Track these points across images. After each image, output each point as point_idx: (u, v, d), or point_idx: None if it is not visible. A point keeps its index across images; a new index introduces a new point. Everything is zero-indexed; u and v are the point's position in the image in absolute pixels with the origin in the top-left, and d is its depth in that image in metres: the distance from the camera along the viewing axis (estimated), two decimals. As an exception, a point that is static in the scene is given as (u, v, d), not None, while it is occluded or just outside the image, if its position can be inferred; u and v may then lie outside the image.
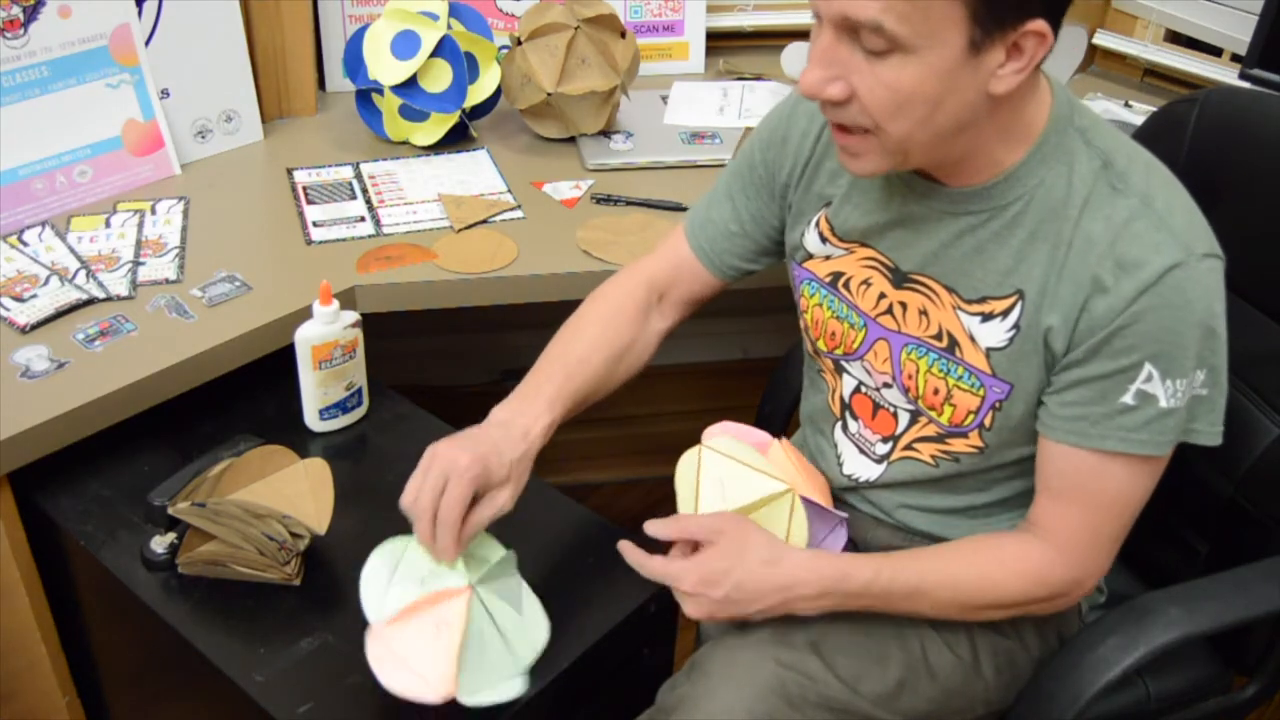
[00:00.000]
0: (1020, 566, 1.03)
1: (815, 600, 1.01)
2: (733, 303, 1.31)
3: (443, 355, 2.03)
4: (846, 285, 1.11)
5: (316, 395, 1.31)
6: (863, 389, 1.14)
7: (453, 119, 1.66)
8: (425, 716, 1.00)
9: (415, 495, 1.01)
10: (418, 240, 1.48)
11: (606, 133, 1.73)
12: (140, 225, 1.47)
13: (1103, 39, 1.97)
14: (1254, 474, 1.21)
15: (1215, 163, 1.22)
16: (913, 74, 0.87)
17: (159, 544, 1.15)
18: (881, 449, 1.14)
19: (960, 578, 1.04)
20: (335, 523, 1.14)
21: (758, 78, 1.94)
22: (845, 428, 1.18)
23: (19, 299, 1.32)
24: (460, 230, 1.50)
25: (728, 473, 1.11)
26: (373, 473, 1.30)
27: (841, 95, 0.90)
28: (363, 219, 1.52)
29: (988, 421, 1.04)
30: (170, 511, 1.12)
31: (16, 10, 1.42)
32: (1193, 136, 1.25)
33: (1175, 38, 1.94)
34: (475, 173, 1.64)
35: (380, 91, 1.65)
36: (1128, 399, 0.96)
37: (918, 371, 1.06)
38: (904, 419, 1.11)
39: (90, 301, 1.33)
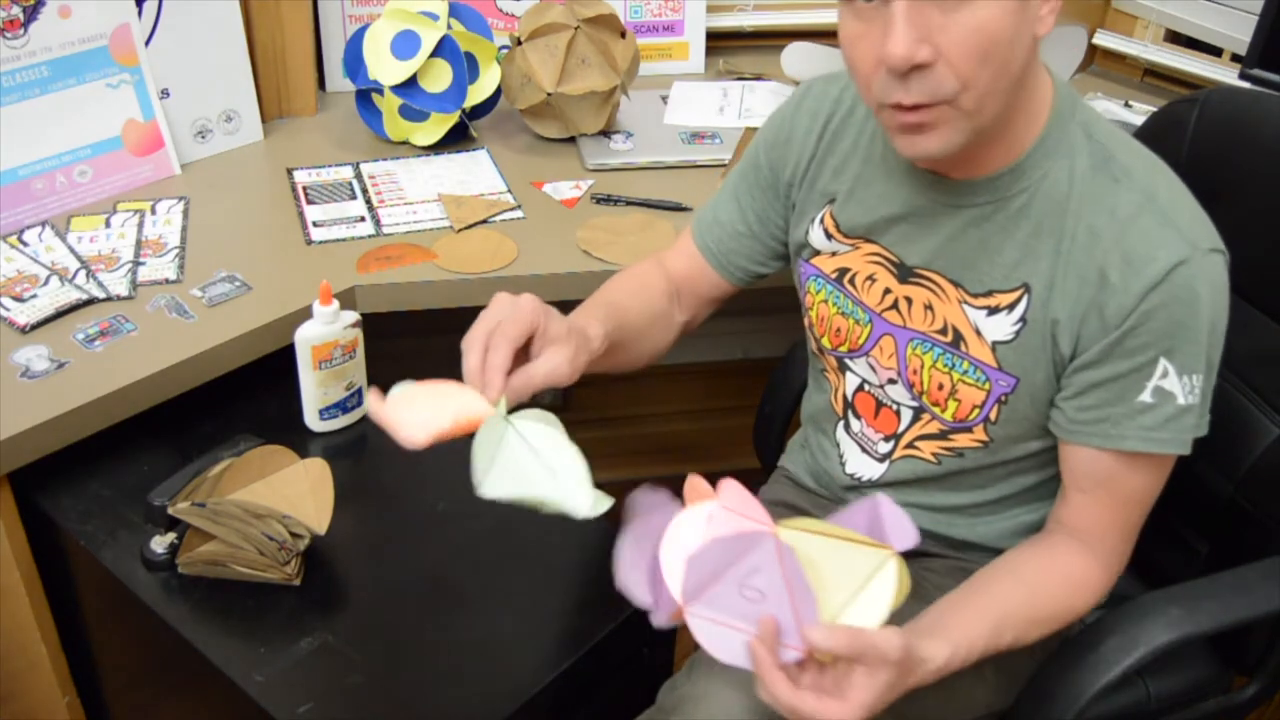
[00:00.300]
0: (1067, 576, 1.03)
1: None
2: (733, 303, 1.31)
3: (443, 355, 2.03)
4: (852, 281, 1.11)
5: (316, 395, 1.31)
6: (866, 387, 1.14)
7: (453, 119, 1.66)
8: None
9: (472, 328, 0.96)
10: (418, 240, 1.48)
11: (606, 133, 1.73)
12: (140, 225, 1.47)
13: (1103, 39, 1.97)
14: (1254, 474, 1.21)
15: (1215, 163, 1.22)
16: (993, 10, 0.86)
17: (159, 544, 1.15)
18: (884, 448, 1.15)
19: (1021, 605, 1.00)
20: (335, 523, 1.14)
21: (758, 78, 1.94)
22: (848, 427, 1.18)
23: (19, 299, 1.32)
24: (460, 230, 1.50)
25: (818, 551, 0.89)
26: (373, 473, 1.30)
27: (930, 56, 0.87)
28: (363, 219, 1.52)
29: (993, 415, 1.04)
30: (170, 511, 1.12)
31: (16, 10, 1.42)
32: (1193, 137, 1.25)
33: (1175, 38, 1.94)
34: (475, 173, 1.64)
35: (380, 91, 1.65)
36: (1146, 397, 0.96)
37: (923, 367, 1.06)
38: (906, 417, 1.11)
39: (90, 301, 1.33)
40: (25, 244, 1.42)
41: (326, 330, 1.27)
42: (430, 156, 1.68)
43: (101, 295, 1.34)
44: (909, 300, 1.06)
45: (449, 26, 1.64)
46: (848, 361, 1.14)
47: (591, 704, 1.14)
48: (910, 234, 1.05)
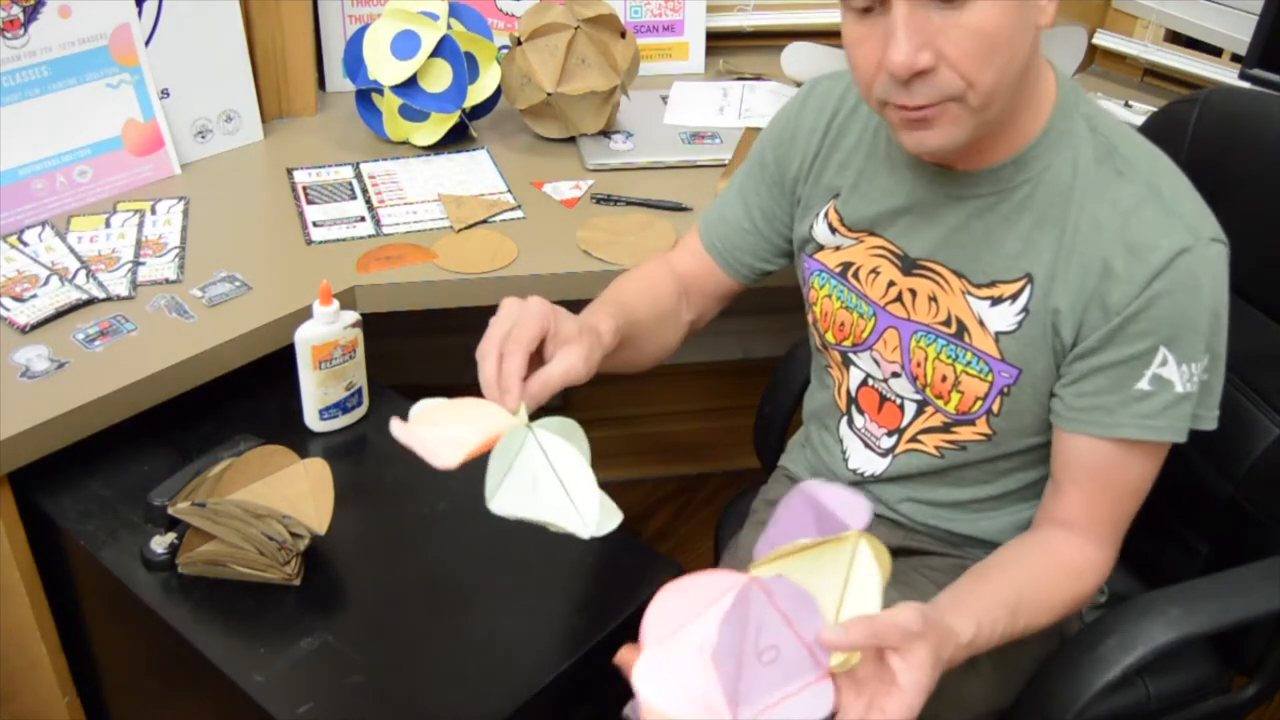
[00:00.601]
0: (1065, 564, 1.02)
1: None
2: (733, 303, 1.31)
3: (443, 355, 2.03)
4: (856, 275, 1.11)
5: (316, 395, 1.31)
6: (870, 382, 1.14)
7: (453, 119, 1.66)
8: None
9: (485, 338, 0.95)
10: (418, 240, 1.48)
11: (606, 133, 1.73)
12: (140, 225, 1.47)
13: (1103, 39, 1.97)
14: (1254, 474, 1.21)
15: (1215, 163, 1.22)
16: (993, 12, 0.86)
17: (159, 544, 1.15)
18: (886, 442, 1.15)
19: (1031, 589, 0.99)
20: (335, 523, 1.14)
21: (758, 78, 1.94)
22: (851, 422, 1.18)
23: (19, 299, 1.32)
24: (460, 230, 1.50)
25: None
26: (373, 473, 1.30)
27: (932, 62, 0.87)
28: (363, 219, 1.52)
29: (996, 407, 1.04)
30: (170, 511, 1.12)
31: (16, 10, 1.42)
32: (1193, 137, 1.25)
33: (1175, 38, 1.94)
34: (475, 173, 1.64)
35: (380, 91, 1.65)
36: (1144, 384, 0.96)
37: (926, 359, 1.07)
38: (910, 410, 1.11)
39: (90, 301, 1.33)
40: (25, 244, 1.42)
41: (326, 330, 1.27)
42: (430, 156, 1.68)
43: (101, 295, 1.34)
44: (913, 292, 1.07)
45: (449, 26, 1.64)
46: (851, 356, 1.15)
47: (591, 704, 1.14)
48: (914, 226, 1.06)
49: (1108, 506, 1.02)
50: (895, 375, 1.11)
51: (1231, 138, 1.23)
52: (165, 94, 1.59)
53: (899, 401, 1.12)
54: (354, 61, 1.67)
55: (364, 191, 1.58)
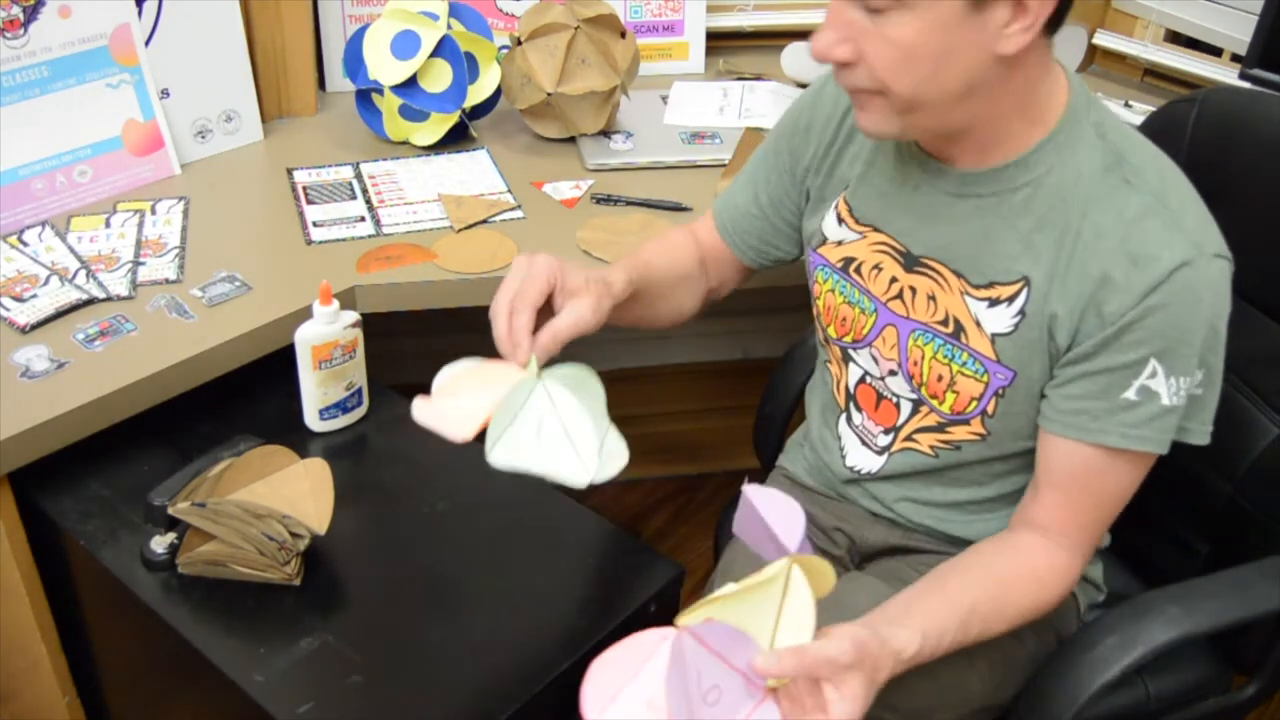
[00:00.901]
0: (1032, 571, 1.03)
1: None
2: (733, 303, 1.31)
3: (443, 355, 2.03)
4: (858, 270, 1.11)
5: (316, 395, 1.31)
6: (868, 379, 1.14)
7: (453, 119, 1.66)
8: None
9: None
10: (418, 240, 1.48)
11: (606, 133, 1.73)
12: (140, 225, 1.48)
13: (1103, 39, 1.97)
14: (1253, 474, 1.21)
15: (1215, 163, 1.22)
16: (913, 29, 0.88)
17: (159, 544, 1.15)
18: (883, 440, 1.15)
19: (991, 597, 1.00)
20: (335, 523, 1.14)
21: (758, 78, 1.94)
22: (849, 419, 1.19)
23: (19, 299, 1.32)
24: (460, 230, 1.50)
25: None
26: (373, 473, 1.30)
27: (848, 57, 0.92)
28: (363, 219, 1.52)
29: (990, 409, 1.04)
30: (170, 511, 1.12)
31: (16, 10, 1.42)
32: (1192, 137, 1.25)
33: (1175, 38, 1.94)
34: (475, 173, 1.64)
35: (380, 91, 1.65)
36: (1130, 394, 0.96)
37: (923, 358, 1.07)
38: (906, 409, 1.12)
39: (90, 301, 1.33)
40: (25, 244, 1.42)
41: (326, 330, 1.27)
42: (430, 156, 1.68)
43: (101, 295, 1.34)
44: (913, 290, 1.07)
45: (449, 26, 1.64)
46: (851, 352, 1.15)
47: (591, 704, 1.14)
48: (917, 223, 1.06)
49: (1084, 513, 1.02)
50: (892, 373, 1.11)
51: (1231, 138, 1.23)
52: (165, 94, 1.59)
53: (895, 400, 1.12)
54: (354, 61, 1.67)
55: (364, 191, 1.58)
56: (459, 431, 0.94)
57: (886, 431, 1.14)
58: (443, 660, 1.08)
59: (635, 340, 2.12)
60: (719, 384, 2.26)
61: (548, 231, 1.51)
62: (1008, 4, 0.88)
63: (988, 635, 1.00)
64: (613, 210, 1.57)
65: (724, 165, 1.65)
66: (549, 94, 1.63)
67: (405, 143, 1.70)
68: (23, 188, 1.46)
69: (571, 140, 1.72)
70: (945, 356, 1.05)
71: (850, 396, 1.17)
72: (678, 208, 1.57)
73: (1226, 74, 1.80)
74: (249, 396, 1.36)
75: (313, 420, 1.33)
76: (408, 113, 1.66)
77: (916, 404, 1.10)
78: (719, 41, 2.01)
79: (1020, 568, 1.02)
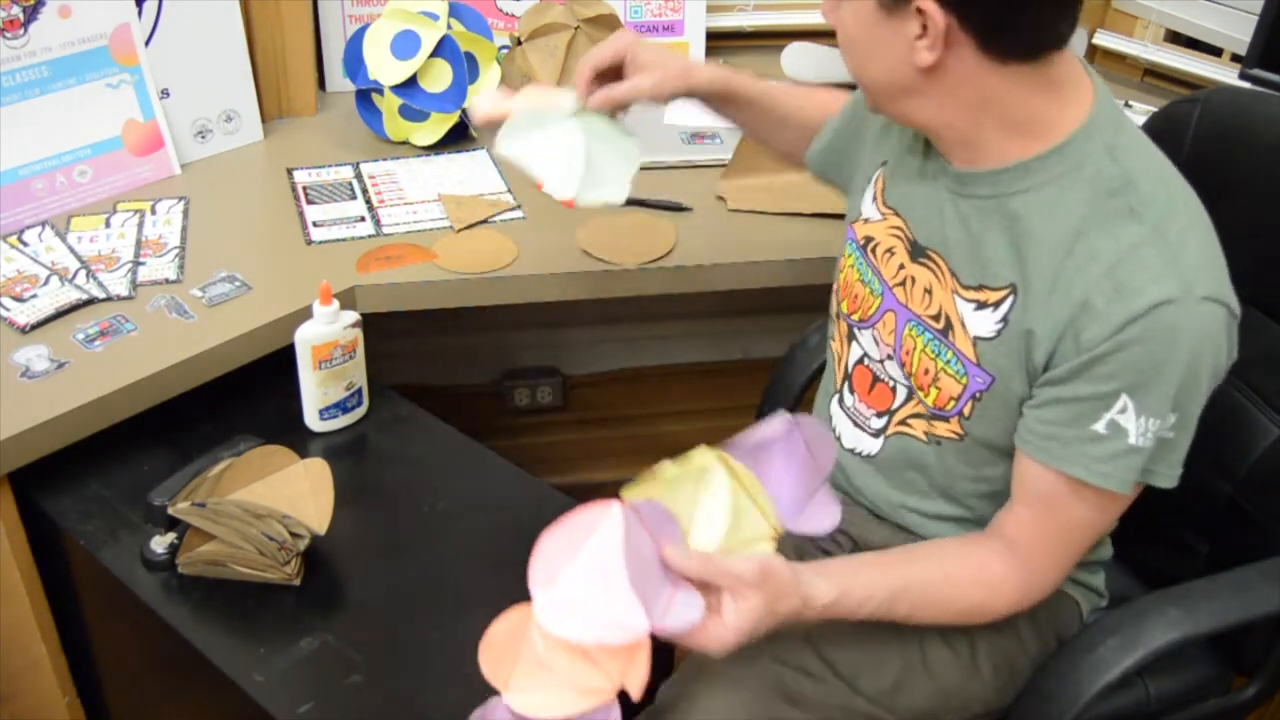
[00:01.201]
0: (982, 575, 1.03)
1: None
2: (733, 303, 1.31)
3: (443, 355, 2.03)
4: (874, 250, 1.12)
5: (316, 395, 1.31)
6: (866, 360, 1.14)
7: (453, 119, 1.66)
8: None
9: None
10: (418, 240, 1.48)
11: (606, 133, 1.72)
12: (140, 225, 1.47)
13: (1103, 39, 1.97)
14: (1254, 474, 1.21)
15: (1216, 163, 1.22)
16: (851, 17, 0.96)
17: (159, 544, 1.15)
18: (877, 423, 1.15)
19: (929, 586, 1.03)
20: (335, 523, 1.14)
21: (758, 78, 1.93)
22: (842, 401, 1.19)
23: (19, 299, 1.32)
24: (460, 230, 1.50)
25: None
26: (373, 473, 1.30)
27: (833, 23, 0.99)
28: (363, 219, 1.52)
29: (967, 410, 1.04)
30: (170, 511, 1.12)
31: (16, 10, 1.42)
32: (1194, 137, 1.25)
33: (1175, 38, 1.94)
34: (475, 173, 1.64)
35: (380, 91, 1.65)
36: (1099, 427, 0.94)
37: (914, 349, 1.07)
38: (901, 394, 1.11)
39: (90, 301, 1.33)
40: (25, 244, 1.42)
41: (326, 330, 1.27)
42: (430, 156, 1.68)
43: (101, 295, 1.34)
44: (914, 280, 1.07)
45: (449, 26, 1.64)
46: (856, 331, 1.15)
47: (591, 704, 1.14)
48: (923, 213, 1.07)
49: (1050, 535, 1.02)
50: (889, 358, 1.11)
51: (1232, 138, 1.23)
52: (165, 94, 1.59)
53: (891, 384, 1.12)
54: (354, 61, 1.67)
55: (364, 191, 1.58)
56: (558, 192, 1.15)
57: (880, 415, 1.14)
58: (443, 660, 1.08)
59: (636, 340, 2.12)
60: (719, 384, 2.26)
61: (548, 232, 1.51)
62: (916, 20, 0.90)
63: (918, 620, 1.02)
64: (613, 210, 1.56)
65: (724, 165, 1.65)
66: (549, 94, 1.62)
67: (405, 143, 1.70)
68: (23, 188, 1.46)
69: (572, 140, 1.72)
70: (933, 351, 1.05)
71: (847, 376, 1.18)
72: (677, 208, 1.56)
73: (1226, 74, 1.80)
74: (249, 396, 1.36)
75: (313, 420, 1.33)
76: (408, 113, 1.66)
77: (910, 391, 1.10)
78: (719, 41, 2.01)
79: (972, 569, 1.03)
